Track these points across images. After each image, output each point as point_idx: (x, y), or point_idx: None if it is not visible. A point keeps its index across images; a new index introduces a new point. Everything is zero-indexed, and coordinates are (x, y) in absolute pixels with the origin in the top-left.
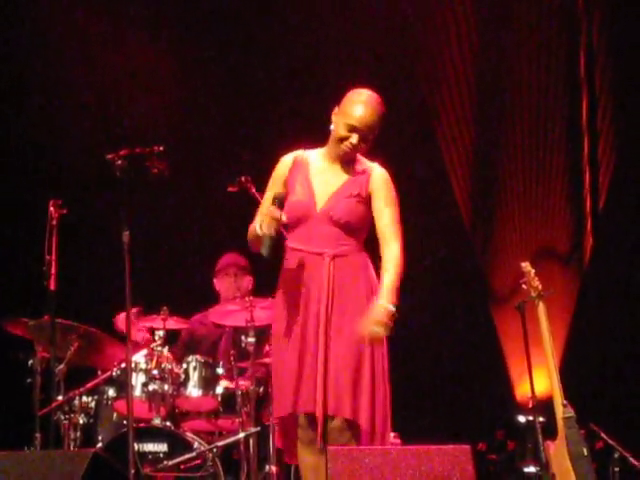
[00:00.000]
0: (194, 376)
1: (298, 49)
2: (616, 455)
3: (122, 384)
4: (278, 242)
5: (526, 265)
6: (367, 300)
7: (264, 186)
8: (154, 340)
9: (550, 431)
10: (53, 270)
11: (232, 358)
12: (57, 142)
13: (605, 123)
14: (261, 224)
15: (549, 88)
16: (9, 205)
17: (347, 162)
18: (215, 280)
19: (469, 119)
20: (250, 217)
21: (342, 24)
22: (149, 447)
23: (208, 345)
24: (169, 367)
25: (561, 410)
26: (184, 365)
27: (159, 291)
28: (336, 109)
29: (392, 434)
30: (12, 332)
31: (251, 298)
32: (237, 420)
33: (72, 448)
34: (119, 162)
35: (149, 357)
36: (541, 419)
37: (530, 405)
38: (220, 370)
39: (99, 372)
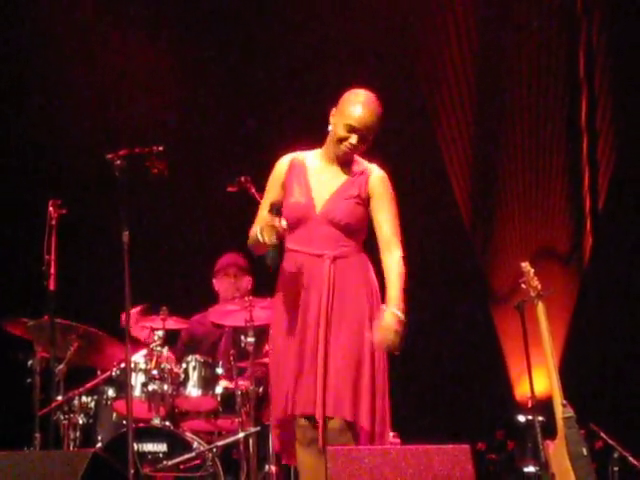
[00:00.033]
0: (193, 376)
1: (298, 49)
2: (616, 455)
3: (122, 384)
4: (281, 251)
5: (526, 265)
6: (367, 302)
7: (263, 186)
8: (153, 340)
9: (550, 431)
10: (52, 270)
11: (232, 358)
12: (57, 142)
13: (605, 123)
14: (262, 234)
15: (549, 88)
16: (9, 205)
17: (345, 163)
18: (214, 280)
19: (469, 119)
20: (250, 217)
21: (342, 24)
22: (148, 447)
23: (208, 345)
24: (168, 367)
25: (561, 410)
26: (183, 365)
27: (159, 291)
28: (334, 110)
29: (391, 434)
30: (12, 332)
31: (250, 298)
32: (237, 420)
33: (72, 448)
34: (118, 162)
35: (148, 357)
36: (541, 419)
37: (530, 405)
38: (220, 370)
39: (99, 372)
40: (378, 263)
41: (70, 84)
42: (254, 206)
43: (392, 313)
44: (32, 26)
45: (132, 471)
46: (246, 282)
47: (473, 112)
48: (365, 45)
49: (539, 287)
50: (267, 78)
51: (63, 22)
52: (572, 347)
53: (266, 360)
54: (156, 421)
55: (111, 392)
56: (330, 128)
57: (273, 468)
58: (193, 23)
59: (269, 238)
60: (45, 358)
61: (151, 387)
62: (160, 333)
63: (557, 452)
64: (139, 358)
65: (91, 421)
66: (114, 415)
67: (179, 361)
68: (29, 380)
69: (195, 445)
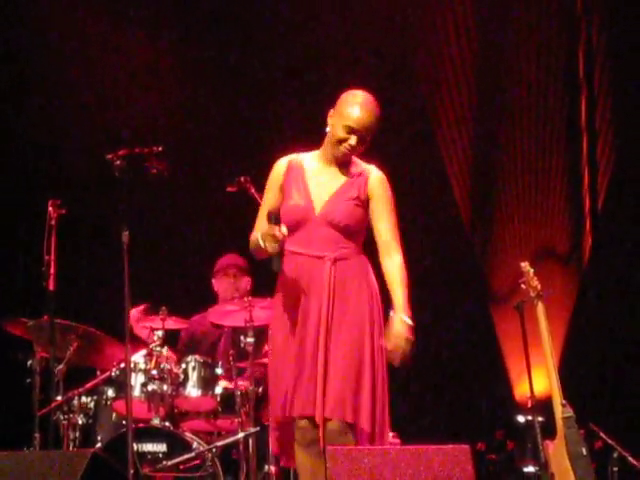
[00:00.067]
0: (193, 376)
1: (298, 49)
2: (615, 455)
3: (121, 384)
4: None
5: (525, 265)
6: (368, 304)
7: (263, 186)
8: (153, 340)
9: (549, 431)
10: (52, 270)
11: (231, 358)
12: (57, 142)
13: (604, 123)
14: (264, 243)
15: (548, 88)
16: (9, 205)
17: (343, 164)
18: (214, 280)
19: (469, 119)
20: (250, 217)
21: (342, 24)
22: (148, 447)
23: (207, 345)
24: (168, 367)
25: (560, 410)
26: (183, 365)
27: (158, 291)
28: (331, 111)
29: (391, 434)
30: (11, 332)
31: (250, 298)
32: (236, 420)
33: (71, 448)
34: (118, 162)
35: (148, 357)
36: (540, 419)
37: (529, 405)
38: (219, 370)
39: (98, 372)
40: (377, 266)
41: (70, 84)
42: (254, 206)
43: (401, 320)
44: (32, 26)
45: (132, 471)
46: (245, 282)
47: (473, 112)
48: (365, 45)
49: (539, 287)
50: (267, 78)
51: (63, 22)
52: (572, 347)
53: (265, 360)
54: (156, 421)
55: (111, 392)
56: (328, 129)
57: (273, 468)
58: (193, 23)
59: (271, 248)
60: (45, 358)
61: (151, 387)
62: (160, 333)
63: (557, 452)
64: (139, 358)
65: (91, 421)
66: (114, 415)
67: (179, 362)
68: (29, 380)
69: (195, 445)
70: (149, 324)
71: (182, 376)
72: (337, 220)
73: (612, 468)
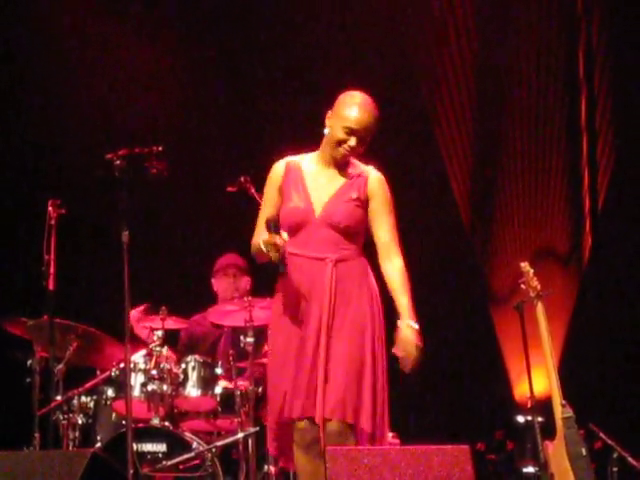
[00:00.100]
0: (193, 376)
1: (298, 49)
2: (615, 455)
3: (121, 384)
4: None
5: (525, 265)
6: (368, 306)
7: (263, 186)
8: (153, 340)
9: (549, 431)
10: (52, 270)
11: (231, 358)
12: (57, 142)
13: (604, 123)
14: (267, 251)
15: (548, 88)
16: (9, 205)
17: (341, 165)
18: (213, 280)
19: (469, 119)
20: (249, 218)
21: (342, 24)
22: (148, 447)
23: (207, 345)
24: (168, 367)
25: (560, 410)
26: (183, 365)
27: (158, 291)
28: (329, 113)
29: (391, 434)
30: (11, 332)
31: (250, 298)
32: (236, 420)
33: (71, 448)
34: (118, 162)
35: (148, 357)
36: (540, 419)
37: (529, 405)
38: (219, 370)
39: (98, 372)
40: (377, 267)
41: (70, 84)
42: (254, 206)
43: (408, 326)
44: (32, 26)
45: (131, 471)
46: (245, 282)
47: (473, 112)
48: (365, 45)
49: (538, 287)
50: (267, 78)
51: (63, 22)
52: (571, 347)
53: (265, 360)
54: (155, 421)
55: (110, 392)
56: (326, 131)
57: (272, 468)
58: (193, 23)
59: (275, 257)
60: (44, 358)
61: (150, 387)
62: (159, 333)
63: (556, 452)
64: (138, 358)
65: (90, 421)
66: (113, 415)
67: (179, 362)
68: (28, 380)
69: (194, 445)
70: (149, 324)
71: (182, 376)
72: (337, 221)
73: (612, 468)
